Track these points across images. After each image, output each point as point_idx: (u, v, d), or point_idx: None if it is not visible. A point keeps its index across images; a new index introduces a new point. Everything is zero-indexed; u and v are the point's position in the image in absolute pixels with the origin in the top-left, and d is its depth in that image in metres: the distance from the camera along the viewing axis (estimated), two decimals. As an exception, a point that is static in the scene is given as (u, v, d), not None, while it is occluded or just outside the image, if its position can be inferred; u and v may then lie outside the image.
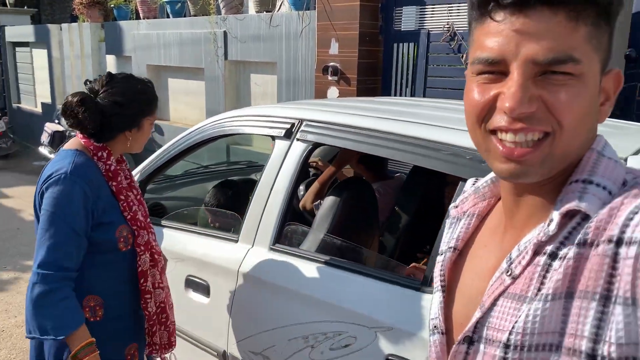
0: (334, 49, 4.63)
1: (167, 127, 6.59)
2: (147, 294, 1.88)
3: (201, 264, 2.24)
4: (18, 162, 9.12)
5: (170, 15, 6.65)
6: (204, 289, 2.22)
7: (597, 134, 0.71)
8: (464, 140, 1.64)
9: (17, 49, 10.75)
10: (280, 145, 2.12)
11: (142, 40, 6.97)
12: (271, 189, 2.07)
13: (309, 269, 1.89)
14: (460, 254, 0.82)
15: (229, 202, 2.68)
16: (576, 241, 0.64)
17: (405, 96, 4.49)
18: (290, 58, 5.12)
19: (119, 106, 1.75)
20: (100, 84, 1.78)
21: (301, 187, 3.01)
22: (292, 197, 2.06)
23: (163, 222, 2.49)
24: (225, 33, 5.75)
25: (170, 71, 6.85)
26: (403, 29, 4.49)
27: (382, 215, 2.63)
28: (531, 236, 0.69)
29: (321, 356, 1.75)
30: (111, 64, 7.99)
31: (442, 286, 0.81)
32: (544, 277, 0.66)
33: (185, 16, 6.56)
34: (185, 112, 6.82)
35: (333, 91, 4.68)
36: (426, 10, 4.35)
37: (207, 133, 2.44)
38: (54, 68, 9.28)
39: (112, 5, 7.69)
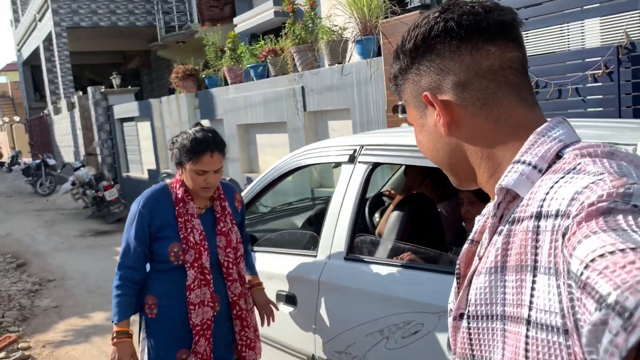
0: (402, 89, 4.97)
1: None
2: (191, 305, 2.19)
3: (288, 279, 2.58)
4: (130, 224, 10.12)
5: (254, 79, 7.35)
6: (292, 300, 2.55)
7: (553, 118, 0.80)
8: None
9: (124, 124, 12.11)
10: (346, 169, 2.47)
11: (231, 103, 7.72)
12: (341, 207, 2.40)
13: (379, 273, 2.19)
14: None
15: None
16: (509, 219, 0.72)
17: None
18: (363, 102, 5.52)
19: (172, 143, 2.26)
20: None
21: (376, 215, 3.30)
22: (360, 211, 2.39)
23: (255, 249, 2.87)
24: (302, 88, 6.30)
25: (257, 128, 7.50)
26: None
27: (451, 233, 2.85)
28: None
29: (395, 345, 2.01)
30: (205, 127, 8.83)
31: (457, 273, 0.89)
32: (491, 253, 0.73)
33: (267, 77, 7.22)
34: (271, 162, 7.38)
35: (404, 127, 4.99)
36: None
37: (284, 168, 2.85)
38: (156, 137, 10.36)
39: (203, 76, 8.59)
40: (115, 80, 12.95)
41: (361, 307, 2.19)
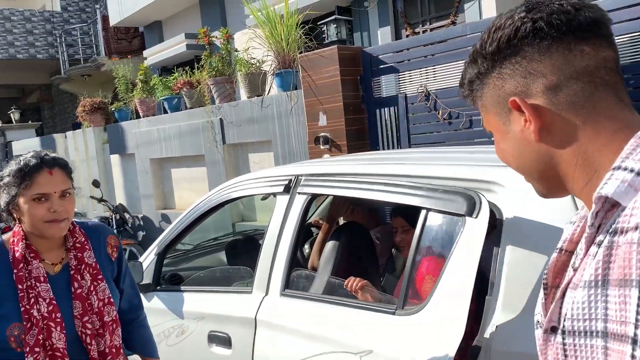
0: (323, 120, 5.04)
1: (173, 215, 6.90)
2: None
3: (221, 318, 2.42)
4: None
5: (169, 111, 7.15)
6: (226, 341, 2.37)
7: None
8: (454, 171, 1.82)
9: (24, 161, 11.28)
10: (281, 200, 2.37)
11: (144, 137, 7.45)
12: (277, 241, 2.29)
13: (314, 309, 2.10)
14: (573, 253, 0.83)
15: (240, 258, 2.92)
16: (609, 229, 0.67)
17: (393, 155, 4.85)
18: (284, 134, 5.52)
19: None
20: None
21: (306, 247, 3.25)
22: (297, 245, 2.29)
23: (182, 288, 2.71)
24: (221, 120, 6.21)
25: (173, 162, 7.27)
26: (383, 95, 4.93)
27: (382, 260, 2.86)
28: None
29: None
30: (115, 162, 8.44)
31: (544, 284, 0.84)
32: (590, 265, 0.69)
33: (182, 109, 7.06)
34: (190, 198, 7.15)
35: (327, 157, 5.04)
36: (401, 76, 4.80)
37: (213, 201, 2.71)
38: (60, 174, 9.73)
39: (113, 109, 8.25)
40: (14, 115, 12.13)
41: (297, 345, 2.09)
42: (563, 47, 0.74)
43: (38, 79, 18.06)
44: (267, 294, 2.27)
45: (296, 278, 2.35)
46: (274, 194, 2.45)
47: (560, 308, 0.75)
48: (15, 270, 1.59)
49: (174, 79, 7.09)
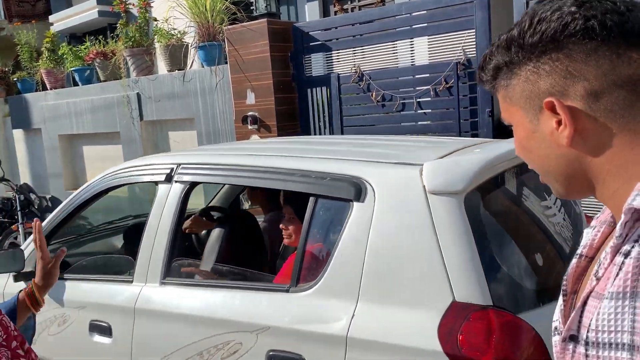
0: (251, 99, 4.78)
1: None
2: None
3: (102, 307, 2.43)
4: None
5: (80, 83, 6.57)
6: (106, 330, 2.37)
7: None
8: (304, 164, 2.00)
9: None
10: (162, 188, 2.35)
11: (52, 110, 6.81)
12: (157, 229, 2.29)
13: (197, 295, 2.14)
14: (593, 260, 0.82)
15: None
16: (638, 240, 0.65)
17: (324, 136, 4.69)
18: (208, 112, 5.20)
19: None
20: None
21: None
22: (177, 234, 2.28)
23: (65, 276, 2.61)
24: (138, 95, 5.76)
25: (85, 139, 6.71)
26: (314, 74, 4.73)
27: (275, 247, 2.78)
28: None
29: None
30: (19, 138, 7.70)
31: (563, 290, 0.82)
32: (617, 276, 0.67)
33: (95, 82, 6.50)
34: (104, 178, 6.67)
35: (255, 139, 4.79)
36: (333, 55, 4.62)
37: (96, 188, 2.65)
38: (-46, 149, 8.79)
39: (15, 79, 7.47)
40: None
41: (179, 331, 2.12)
42: (611, 51, 0.69)
43: None
44: (146, 283, 2.28)
45: (177, 267, 2.33)
46: (156, 183, 2.42)
47: (581, 317, 0.73)
48: None
49: (85, 48, 6.50)
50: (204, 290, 2.15)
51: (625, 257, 0.67)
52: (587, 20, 0.69)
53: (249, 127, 4.76)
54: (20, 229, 5.82)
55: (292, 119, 4.80)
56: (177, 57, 5.46)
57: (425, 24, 4.08)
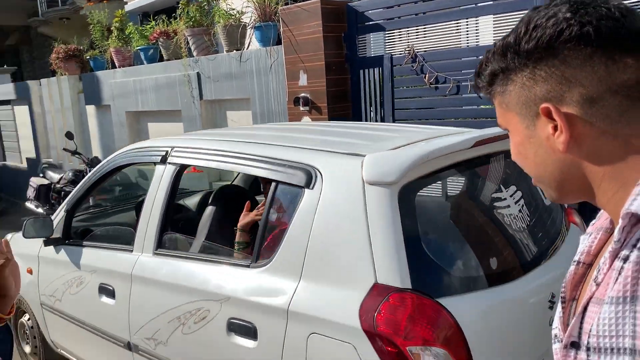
0: (303, 80, 4.76)
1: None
2: None
3: (108, 272, 2.76)
4: (6, 220, 9.13)
5: (145, 62, 6.80)
6: (111, 293, 2.71)
7: None
8: (277, 153, 2.16)
9: (0, 107, 10.89)
10: (159, 169, 2.62)
11: (120, 88, 7.11)
12: (152, 205, 2.57)
13: (180, 266, 2.39)
14: (591, 266, 0.83)
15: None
16: (638, 244, 0.66)
17: (374, 120, 4.62)
18: (263, 92, 5.24)
19: None
20: None
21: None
22: (168, 210, 2.55)
23: (84, 243, 3.01)
24: (198, 74, 5.89)
25: (149, 116, 6.97)
26: (367, 55, 4.64)
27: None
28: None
29: (189, 330, 2.25)
30: (91, 113, 8.11)
31: (562, 297, 0.84)
32: (616, 280, 0.67)
33: (159, 61, 6.70)
34: (167, 154, 6.92)
35: (306, 121, 4.79)
36: (387, 35, 4.50)
37: (109, 166, 3.02)
38: (36, 123, 9.40)
39: (87, 57, 7.85)
40: (-13, 58, 11.58)
41: (164, 297, 2.40)
42: (607, 57, 0.70)
43: (16, 20, 17.30)
44: (142, 252, 2.57)
45: (168, 240, 2.57)
46: (154, 163, 2.69)
47: (582, 323, 0.73)
48: None
49: (150, 27, 6.70)
50: (185, 262, 2.39)
51: (624, 262, 0.67)
52: (582, 26, 0.70)
53: (301, 108, 4.75)
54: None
55: (344, 100, 4.75)
56: (234, 37, 5.52)
57: (491, 2, 3.87)
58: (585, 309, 0.73)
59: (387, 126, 2.92)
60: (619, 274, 0.67)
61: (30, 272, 3.41)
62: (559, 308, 0.84)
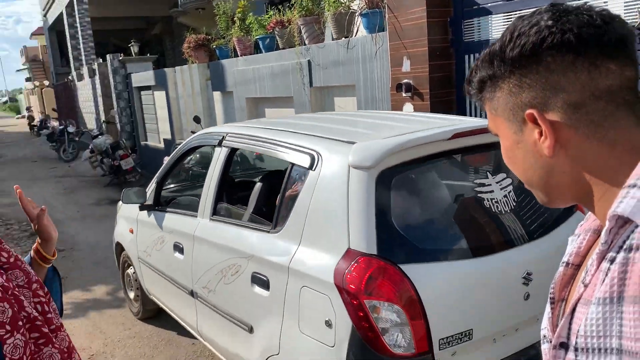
0: (406, 66, 4.76)
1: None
2: None
3: (180, 233, 3.37)
4: (145, 194, 10.22)
5: (263, 51, 7.17)
6: (181, 250, 3.32)
7: None
8: (294, 140, 2.60)
9: (142, 92, 12.10)
10: (217, 150, 3.18)
11: (241, 75, 7.58)
12: (210, 180, 3.13)
13: (225, 230, 2.95)
14: (580, 267, 0.84)
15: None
16: (624, 246, 0.67)
17: (479, 106, 4.50)
18: (367, 79, 5.32)
19: None
20: None
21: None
22: (222, 184, 3.11)
23: (167, 209, 3.68)
24: (309, 62, 6.11)
25: (266, 102, 7.37)
26: (474, 39, 4.52)
27: None
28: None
29: (228, 281, 2.79)
30: (217, 99, 8.74)
31: (550, 298, 0.85)
32: (603, 282, 0.68)
33: (276, 49, 7.04)
34: (281, 138, 7.28)
35: (408, 107, 4.80)
36: (494, 19, 4.34)
37: (181, 150, 3.76)
38: (171, 107, 10.33)
39: (214, 47, 8.44)
40: (134, 48, 12.90)
41: (213, 254, 2.95)
42: (589, 63, 0.71)
43: (159, 11, 18.91)
44: (202, 218, 3.14)
45: (220, 208, 3.13)
46: (213, 146, 3.26)
47: (570, 324, 0.74)
48: None
49: (269, 17, 7.04)
50: (229, 226, 2.94)
51: (611, 263, 0.68)
52: (563, 33, 0.71)
53: (403, 94, 4.77)
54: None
55: (448, 86, 4.67)
56: (342, 24, 5.64)
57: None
58: (573, 310, 0.74)
59: (408, 116, 3.24)
60: (606, 275, 0.68)
61: (131, 231, 4.18)
62: (547, 309, 0.85)
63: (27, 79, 41.21)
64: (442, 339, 2.09)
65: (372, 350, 2.02)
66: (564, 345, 0.75)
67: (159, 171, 3.97)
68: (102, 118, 13.93)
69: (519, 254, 2.34)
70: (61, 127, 16.08)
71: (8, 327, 1.31)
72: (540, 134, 0.75)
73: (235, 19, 7.70)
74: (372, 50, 5.19)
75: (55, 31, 23.97)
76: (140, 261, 4.08)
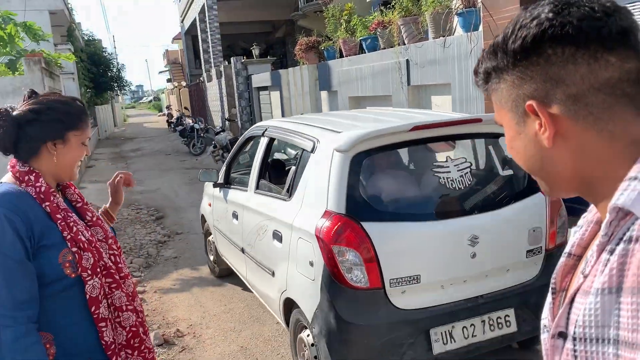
0: (499, 65, 4.71)
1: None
2: (101, 322, 1.67)
3: (235, 204, 4.27)
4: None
5: (366, 51, 7.38)
6: (237, 217, 4.21)
7: None
8: (305, 130, 3.38)
9: (261, 92, 12.89)
10: (261, 140, 4.08)
11: (344, 75, 7.87)
12: (255, 162, 4.03)
13: (258, 198, 3.82)
14: (581, 259, 0.85)
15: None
16: (624, 237, 0.67)
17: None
18: (462, 78, 5.32)
19: (35, 113, 1.62)
20: (20, 103, 1.69)
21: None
22: (263, 165, 3.98)
23: (231, 185, 4.59)
24: (407, 61, 6.22)
25: (367, 100, 7.58)
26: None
27: None
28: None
29: (260, 238, 3.63)
30: (324, 98, 9.11)
31: (552, 288, 0.85)
32: (602, 272, 0.69)
33: (378, 50, 7.22)
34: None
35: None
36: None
37: (242, 139, 4.75)
38: (284, 105, 10.91)
39: (322, 48, 8.81)
40: (255, 51, 13.74)
41: (253, 218, 3.80)
42: (589, 55, 0.71)
43: (283, 15, 19.90)
44: (249, 191, 4.03)
45: (261, 184, 3.97)
46: (259, 137, 4.18)
47: (569, 314, 0.76)
48: (47, 203, 1.62)
49: (373, 18, 7.24)
50: (264, 198, 3.73)
51: (611, 255, 0.69)
52: (563, 26, 0.71)
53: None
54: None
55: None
56: (440, 23, 5.68)
57: None
58: (572, 300, 0.75)
59: (402, 112, 3.99)
60: (605, 266, 0.69)
61: (209, 205, 5.23)
62: (549, 299, 0.85)
63: (168, 80, 45.26)
64: (393, 279, 2.72)
65: (337, 283, 2.71)
66: (562, 335, 0.76)
67: (228, 156, 4.92)
68: (226, 116, 15.02)
69: (467, 221, 2.87)
70: (192, 124, 17.57)
71: (89, 272, 1.63)
72: (541, 125, 0.76)
73: (341, 20, 7.99)
74: (467, 49, 5.19)
75: (190, 35, 26.14)
76: (215, 228, 5.08)
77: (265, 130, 4.00)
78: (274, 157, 5.26)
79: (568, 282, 0.84)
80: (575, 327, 0.72)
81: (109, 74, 26.95)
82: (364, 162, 2.87)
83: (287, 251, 3.14)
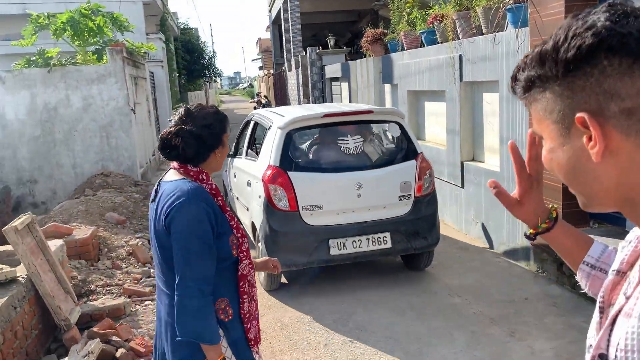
0: (544, 63, 4.51)
1: (426, 148, 7.20)
2: (244, 294, 2.06)
3: (237, 168, 5.88)
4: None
5: (425, 44, 7.28)
6: (250, 184, 5.21)
7: None
8: (270, 115, 5.28)
9: (333, 83, 13.02)
10: (250, 122, 5.94)
11: (404, 69, 7.80)
12: (247, 137, 5.83)
13: (247, 162, 5.56)
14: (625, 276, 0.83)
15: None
16: None
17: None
18: (510, 75, 5.13)
19: (208, 127, 2.00)
20: (180, 117, 2.04)
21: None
22: (251, 138, 5.79)
23: (236, 156, 6.15)
24: (460, 56, 6.08)
25: (423, 95, 7.47)
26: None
27: None
28: None
29: (245, 188, 5.38)
30: (387, 91, 9.08)
31: (600, 307, 0.81)
32: None
33: (436, 44, 7.08)
34: (436, 132, 7.33)
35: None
36: None
37: (244, 122, 6.30)
38: (352, 98, 10.97)
39: (386, 41, 8.77)
40: (330, 41, 13.88)
41: (243, 176, 5.42)
42: None
43: (368, 4, 19.81)
44: (242, 158, 5.63)
45: (251, 154, 5.50)
46: (250, 121, 6.04)
47: (610, 335, 0.73)
48: (219, 197, 2.04)
49: (432, 11, 7.11)
50: (247, 161, 5.39)
51: None
52: (622, 37, 0.67)
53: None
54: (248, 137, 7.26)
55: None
56: (492, 19, 5.50)
57: None
58: (614, 321, 0.72)
59: (337, 105, 6.15)
60: None
61: (225, 171, 6.73)
62: (596, 317, 0.81)
63: (260, 68, 46.58)
64: (304, 206, 4.57)
65: (272, 207, 4.57)
66: (602, 357, 0.73)
67: (237, 134, 6.50)
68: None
69: (355, 174, 4.68)
70: (271, 111, 18.09)
71: (245, 254, 2.08)
72: (590, 138, 0.71)
73: (404, 13, 7.91)
74: (515, 46, 5.00)
75: (277, 25, 26.72)
76: (230, 190, 6.44)
77: (253, 116, 5.92)
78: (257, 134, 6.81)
79: (613, 300, 0.80)
80: (617, 350, 0.69)
81: (202, 61, 28.23)
82: (293, 135, 4.76)
83: (252, 191, 4.99)
